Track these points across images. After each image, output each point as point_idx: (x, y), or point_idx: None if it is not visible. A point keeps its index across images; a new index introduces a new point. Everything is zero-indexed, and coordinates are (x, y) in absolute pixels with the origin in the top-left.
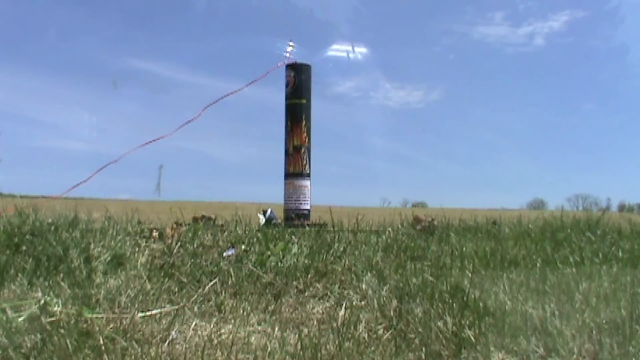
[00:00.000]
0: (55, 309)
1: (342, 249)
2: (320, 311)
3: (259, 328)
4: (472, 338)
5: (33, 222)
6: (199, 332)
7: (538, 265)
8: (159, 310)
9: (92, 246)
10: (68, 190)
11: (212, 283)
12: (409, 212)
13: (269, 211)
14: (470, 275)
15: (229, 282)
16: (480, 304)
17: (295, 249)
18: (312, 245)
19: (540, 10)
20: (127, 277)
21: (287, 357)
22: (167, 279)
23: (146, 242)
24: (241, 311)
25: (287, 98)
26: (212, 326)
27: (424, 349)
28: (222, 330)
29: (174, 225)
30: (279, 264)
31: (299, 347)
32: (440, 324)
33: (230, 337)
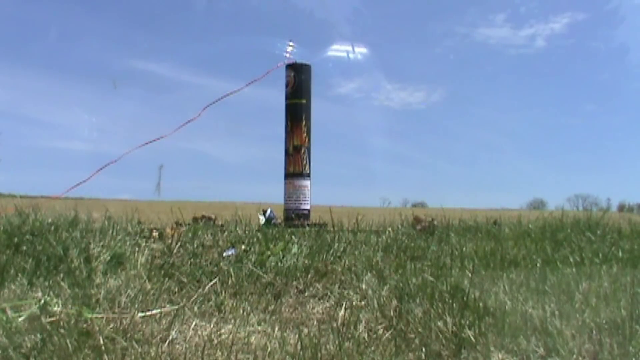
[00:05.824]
0: (55, 309)
1: (342, 249)
2: (320, 311)
3: (259, 328)
4: (472, 338)
5: (33, 222)
6: (199, 332)
7: (538, 265)
8: (159, 310)
9: (92, 246)
10: (68, 190)
11: (212, 283)
12: (409, 212)
13: (268, 211)
14: (470, 275)
15: (229, 282)
16: (480, 304)
17: (295, 249)
18: (312, 245)
19: (542, 12)
20: (127, 277)
21: (287, 357)
22: (167, 279)
23: (146, 242)
24: (241, 311)
25: (287, 98)
26: (212, 326)
27: (424, 349)
28: (222, 330)
29: (174, 225)
30: (279, 264)
31: (299, 347)
32: (440, 324)
33: (230, 337)
